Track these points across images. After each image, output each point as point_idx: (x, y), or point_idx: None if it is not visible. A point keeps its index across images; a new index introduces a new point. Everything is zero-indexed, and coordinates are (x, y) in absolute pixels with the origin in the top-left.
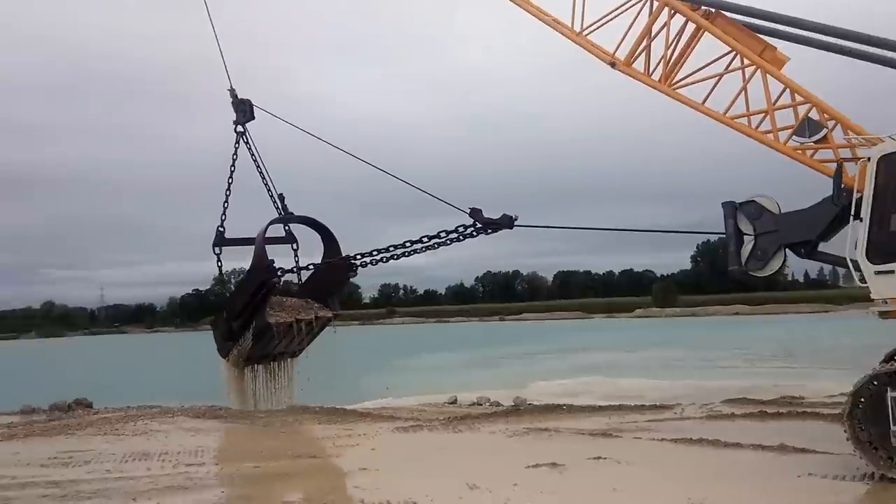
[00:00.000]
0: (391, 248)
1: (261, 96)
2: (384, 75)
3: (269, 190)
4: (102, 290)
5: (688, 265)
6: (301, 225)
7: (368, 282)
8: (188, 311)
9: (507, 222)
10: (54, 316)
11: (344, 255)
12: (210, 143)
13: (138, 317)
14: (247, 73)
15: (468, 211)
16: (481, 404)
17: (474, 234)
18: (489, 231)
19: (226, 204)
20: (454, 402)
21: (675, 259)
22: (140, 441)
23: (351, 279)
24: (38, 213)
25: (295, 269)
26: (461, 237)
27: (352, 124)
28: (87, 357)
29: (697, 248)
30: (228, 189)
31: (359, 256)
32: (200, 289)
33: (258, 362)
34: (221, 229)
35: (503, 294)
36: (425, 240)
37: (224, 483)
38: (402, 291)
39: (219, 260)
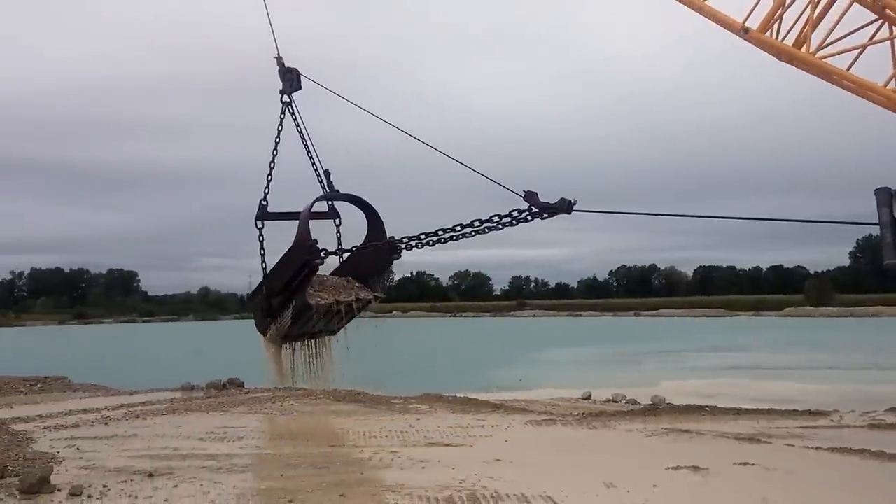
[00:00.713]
0: (439, 232)
1: (400, 91)
2: (524, 67)
3: (314, 165)
4: (251, 278)
5: (845, 261)
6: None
7: (499, 273)
8: None
9: (564, 206)
10: (209, 301)
11: (389, 237)
12: (347, 141)
13: None
14: (391, 68)
15: (522, 194)
16: (617, 401)
17: (529, 218)
18: (545, 216)
19: (269, 177)
20: (588, 397)
21: (830, 255)
22: (287, 420)
23: (394, 262)
24: (195, 206)
25: (339, 251)
26: (514, 221)
27: (491, 117)
28: (238, 339)
29: (857, 243)
30: (272, 161)
31: (405, 239)
32: None
33: (296, 340)
34: (264, 203)
35: (639, 289)
36: (476, 224)
37: (363, 466)
38: (532, 284)
39: (261, 234)
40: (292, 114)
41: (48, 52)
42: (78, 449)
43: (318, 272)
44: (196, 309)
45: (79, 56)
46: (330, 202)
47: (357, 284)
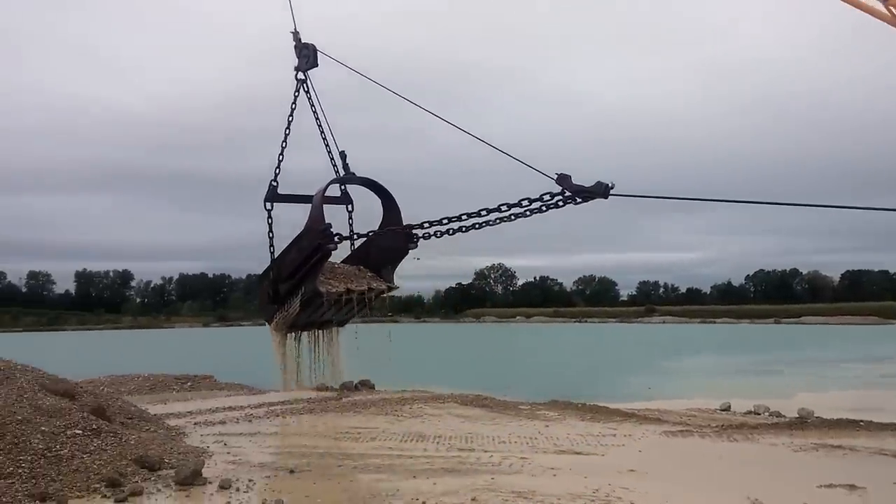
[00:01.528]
0: (463, 217)
1: (528, 93)
2: (651, 64)
3: (326, 145)
4: None
5: None
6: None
7: (626, 278)
8: (452, 302)
9: (600, 190)
10: None
11: (405, 223)
12: (467, 147)
13: (408, 307)
14: (515, 71)
15: (555, 177)
16: (759, 413)
17: (561, 203)
18: (578, 200)
19: (280, 157)
20: (727, 408)
21: None
22: (416, 423)
23: (410, 251)
24: (329, 211)
25: (353, 236)
26: (544, 206)
27: (619, 115)
28: (364, 342)
29: None
30: (284, 141)
31: (426, 224)
32: (462, 282)
33: (303, 329)
34: (274, 184)
35: (778, 294)
36: (504, 207)
37: (494, 471)
38: (661, 289)
39: (269, 216)
40: (307, 91)
41: (188, 71)
42: (225, 444)
43: (331, 260)
44: None
45: (211, 72)
46: (343, 187)
47: (369, 274)
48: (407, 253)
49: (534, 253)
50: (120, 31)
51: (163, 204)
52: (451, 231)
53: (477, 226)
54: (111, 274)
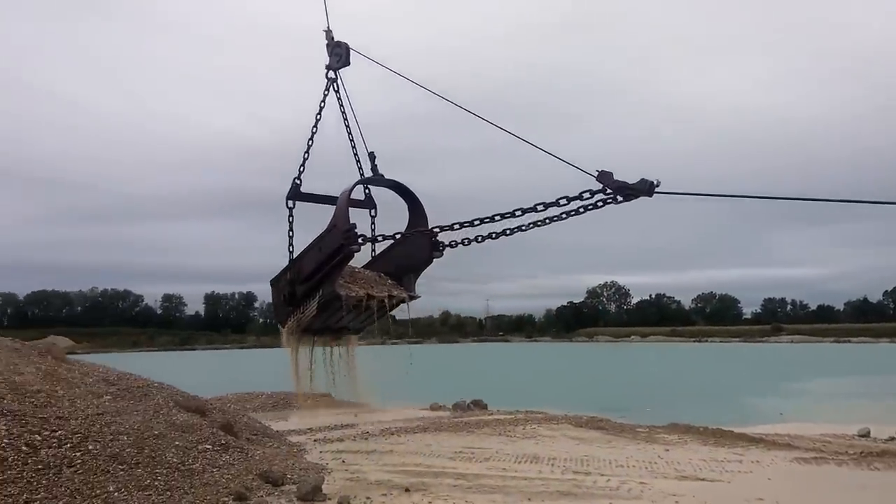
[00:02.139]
0: (496, 218)
1: (650, 102)
2: (773, 66)
3: (353, 147)
4: (488, 302)
5: None
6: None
7: (749, 295)
8: (563, 321)
9: (645, 188)
10: (450, 324)
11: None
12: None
13: (519, 326)
14: (634, 82)
15: (595, 174)
16: None
17: (601, 203)
18: (619, 199)
19: (306, 155)
20: (866, 434)
21: None
22: (530, 444)
23: (435, 259)
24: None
25: (377, 239)
26: (583, 207)
27: (739, 120)
28: (477, 362)
29: None
30: (311, 139)
31: (456, 226)
32: (574, 301)
33: (316, 334)
34: (298, 182)
35: None
36: (540, 207)
37: (611, 495)
38: (789, 306)
39: (291, 215)
40: (336, 91)
41: (309, 100)
42: (343, 461)
43: (350, 265)
44: (438, 331)
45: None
46: (367, 190)
47: (390, 281)
48: (430, 262)
49: (648, 270)
50: (246, 66)
51: (284, 228)
52: (479, 238)
53: (508, 231)
54: (236, 296)
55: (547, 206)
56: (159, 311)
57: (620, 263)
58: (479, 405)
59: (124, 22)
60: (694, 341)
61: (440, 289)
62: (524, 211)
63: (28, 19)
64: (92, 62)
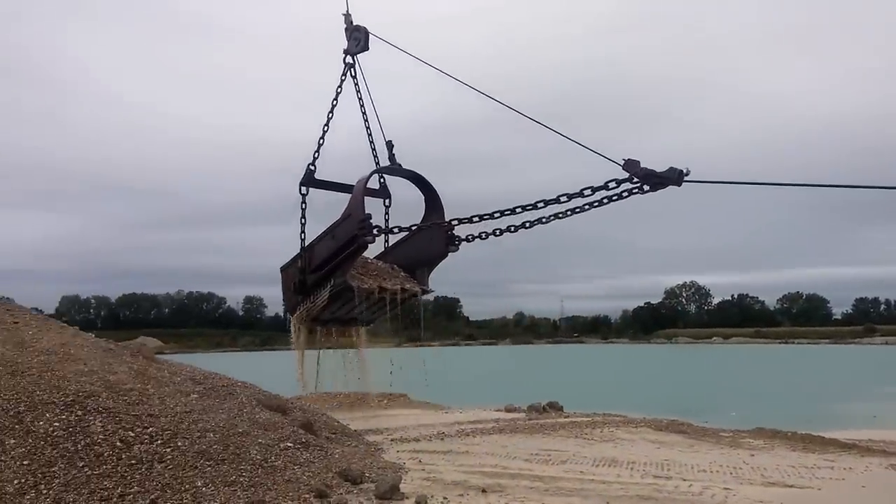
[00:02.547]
0: (517, 210)
1: (723, 101)
2: (849, 65)
3: (369, 135)
4: (563, 302)
5: None
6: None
7: (840, 295)
8: (641, 322)
9: (673, 176)
10: (524, 325)
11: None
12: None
13: (594, 328)
14: (704, 82)
15: (622, 163)
16: None
17: (626, 193)
18: (646, 188)
19: (321, 141)
20: None
21: None
22: (608, 447)
23: (450, 253)
24: (513, 234)
25: (392, 230)
26: (607, 198)
27: (817, 119)
28: (552, 363)
29: None
30: (327, 125)
31: (475, 218)
32: (652, 301)
33: (325, 325)
34: (312, 168)
35: None
36: (563, 198)
37: (694, 500)
38: (883, 306)
39: (303, 202)
40: (354, 77)
41: (385, 106)
42: (420, 461)
43: (363, 255)
44: (512, 333)
45: (409, 103)
46: (382, 179)
47: (402, 274)
48: (445, 256)
49: (729, 269)
50: (319, 76)
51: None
52: (498, 231)
53: (528, 224)
54: None
55: (570, 196)
56: (241, 313)
57: (700, 263)
58: (554, 407)
59: (206, 37)
60: (780, 342)
61: (513, 290)
62: (546, 202)
63: (119, 38)
64: (178, 76)
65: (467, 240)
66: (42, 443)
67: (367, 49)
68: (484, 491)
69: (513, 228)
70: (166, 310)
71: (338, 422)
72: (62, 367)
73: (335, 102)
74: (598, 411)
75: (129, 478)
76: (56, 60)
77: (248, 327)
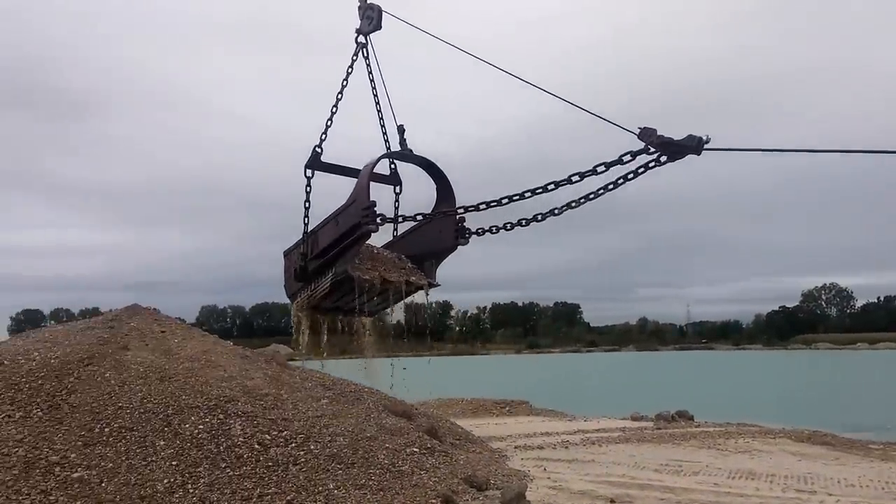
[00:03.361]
0: (526, 195)
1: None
2: None
3: (380, 118)
4: (689, 307)
5: None
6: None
7: None
8: (775, 328)
9: (692, 144)
10: (648, 331)
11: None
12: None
13: (724, 333)
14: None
15: (637, 132)
16: None
17: (642, 169)
18: (664, 158)
19: (329, 122)
20: None
21: None
22: (743, 459)
23: (460, 246)
24: (634, 237)
25: (398, 219)
26: (622, 178)
27: None
28: (680, 371)
29: None
30: (335, 106)
31: (482, 205)
32: (787, 305)
33: (325, 313)
34: (319, 150)
35: None
36: (575, 178)
37: None
38: None
39: (308, 185)
40: (366, 57)
41: (490, 112)
42: (545, 469)
43: (370, 243)
44: (636, 339)
45: (512, 111)
46: (393, 164)
47: (410, 265)
48: (454, 250)
49: (874, 269)
50: (428, 81)
51: (474, 238)
52: (508, 226)
53: (540, 217)
54: (433, 305)
55: (583, 175)
56: None
57: (840, 263)
58: (683, 416)
59: (334, 55)
60: None
61: (635, 295)
62: (557, 184)
63: (252, 61)
64: (302, 93)
65: (477, 233)
66: (188, 444)
67: (380, 28)
68: (612, 501)
69: (524, 222)
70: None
71: (461, 428)
72: (205, 374)
73: (345, 83)
74: (731, 421)
75: (266, 479)
76: (194, 84)
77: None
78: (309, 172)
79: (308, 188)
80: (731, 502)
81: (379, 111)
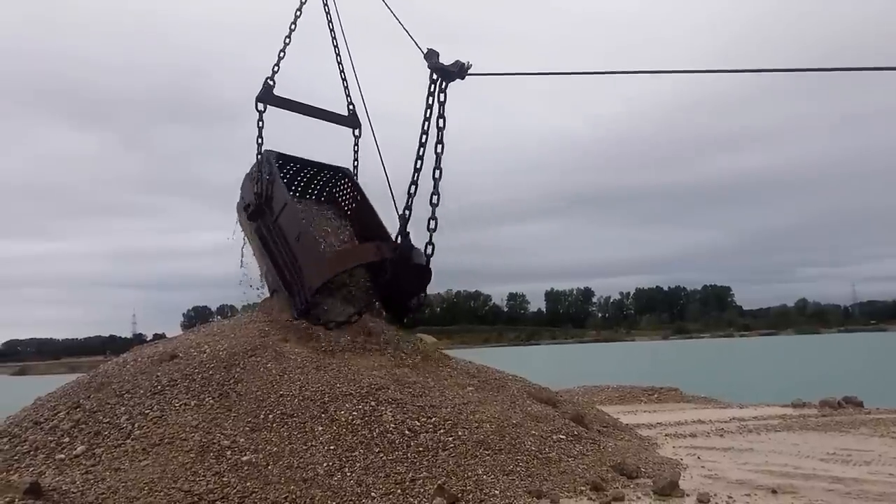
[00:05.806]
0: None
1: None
2: None
3: (341, 69)
4: (854, 287)
5: None
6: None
7: None
8: None
9: (455, 69)
10: (808, 313)
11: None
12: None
13: None
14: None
15: (425, 52)
16: None
17: (430, 94)
18: (437, 78)
19: (282, 53)
20: None
21: None
22: None
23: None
24: (784, 215)
25: (331, 326)
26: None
27: None
28: (845, 355)
29: None
30: (288, 37)
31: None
32: None
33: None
34: (271, 83)
35: None
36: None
37: None
38: None
39: (260, 119)
40: (326, 9)
41: (622, 88)
42: (699, 458)
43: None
44: (794, 322)
45: (648, 87)
46: (352, 106)
47: (361, 247)
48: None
49: None
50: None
51: (615, 221)
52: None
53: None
54: (574, 292)
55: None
56: (505, 309)
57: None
58: (852, 402)
59: (453, 43)
60: None
61: (792, 275)
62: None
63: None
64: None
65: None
66: (344, 430)
67: None
68: (774, 492)
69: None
70: (438, 308)
71: (608, 415)
72: (356, 363)
73: (299, 13)
74: None
75: (417, 464)
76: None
77: (512, 323)
78: (261, 106)
79: (260, 123)
80: None
81: (341, 69)
